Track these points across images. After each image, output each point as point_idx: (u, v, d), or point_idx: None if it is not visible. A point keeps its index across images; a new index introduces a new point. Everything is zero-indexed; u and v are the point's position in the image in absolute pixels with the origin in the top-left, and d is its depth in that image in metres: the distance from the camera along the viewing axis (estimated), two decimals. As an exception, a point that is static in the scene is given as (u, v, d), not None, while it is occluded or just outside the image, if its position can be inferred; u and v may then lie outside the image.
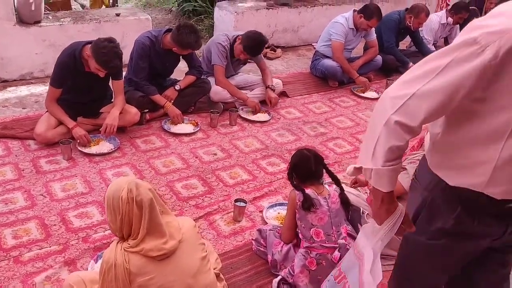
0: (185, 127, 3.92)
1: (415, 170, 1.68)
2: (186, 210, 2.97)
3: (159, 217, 1.86)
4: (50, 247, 2.60)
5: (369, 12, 4.84)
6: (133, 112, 3.71)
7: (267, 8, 5.82)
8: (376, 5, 5.08)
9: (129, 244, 1.85)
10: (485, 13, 6.31)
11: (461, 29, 6.04)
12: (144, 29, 4.69)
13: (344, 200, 2.48)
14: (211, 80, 4.28)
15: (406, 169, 3.08)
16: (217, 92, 4.23)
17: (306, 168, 2.46)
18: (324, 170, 2.53)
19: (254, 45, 4.12)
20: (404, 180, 2.69)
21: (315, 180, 2.48)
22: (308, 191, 2.40)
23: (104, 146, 3.54)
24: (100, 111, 3.73)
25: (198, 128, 3.92)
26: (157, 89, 3.94)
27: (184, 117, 4.02)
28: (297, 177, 2.49)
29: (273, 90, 4.42)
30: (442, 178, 1.46)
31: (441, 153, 1.47)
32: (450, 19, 5.91)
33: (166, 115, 3.98)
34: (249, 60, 4.48)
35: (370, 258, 1.64)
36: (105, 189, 3.08)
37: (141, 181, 1.89)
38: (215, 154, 3.63)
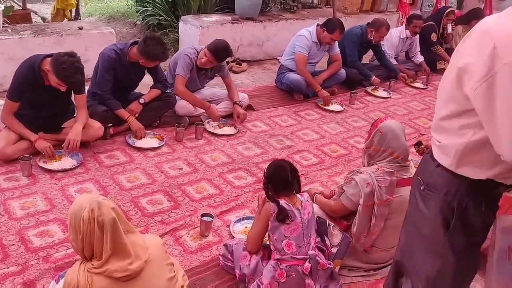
0: (150, 142, 3.87)
1: (421, 181, 1.73)
2: (151, 226, 2.92)
3: (123, 237, 1.81)
4: (8, 268, 2.49)
5: (331, 25, 4.94)
6: (97, 126, 3.64)
7: (232, 23, 5.85)
8: (338, 18, 5.19)
9: (92, 265, 1.80)
10: (443, 28, 6.58)
11: (420, 42, 6.26)
12: (108, 42, 4.63)
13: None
14: (176, 93, 4.25)
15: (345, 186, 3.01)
16: (183, 106, 4.21)
17: (283, 178, 2.42)
18: (299, 182, 2.51)
19: (220, 49, 4.13)
20: (346, 199, 2.67)
21: (290, 191, 2.45)
22: (282, 202, 2.37)
23: (67, 162, 3.45)
24: (62, 126, 3.64)
25: (164, 143, 3.88)
26: (121, 104, 3.89)
27: (149, 131, 3.97)
28: (272, 188, 2.45)
29: (241, 106, 4.44)
30: (468, 175, 1.59)
31: (474, 151, 1.56)
32: (408, 32, 6.09)
33: (131, 130, 3.92)
34: (215, 74, 4.48)
35: None
36: (68, 206, 3.00)
37: (104, 200, 1.84)
38: (181, 169, 3.60)
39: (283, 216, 2.34)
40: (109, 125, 3.83)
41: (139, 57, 3.79)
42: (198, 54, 4.23)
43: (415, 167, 3.38)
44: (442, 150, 1.66)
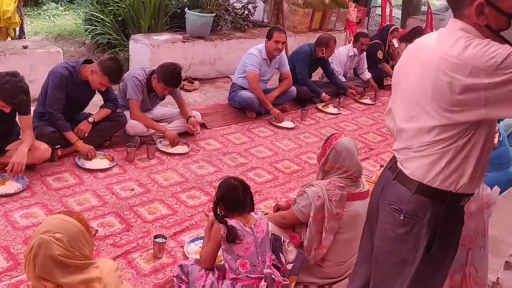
0: (100, 163, 3.78)
1: (398, 210, 1.75)
2: (102, 250, 2.83)
3: (69, 277, 1.75)
4: None
5: (270, 31, 5.11)
6: (44, 148, 3.52)
7: (183, 41, 5.85)
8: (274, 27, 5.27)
9: None
10: (388, 46, 6.85)
11: (367, 59, 6.48)
12: (55, 62, 4.52)
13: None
14: (127, 113, 4.19)
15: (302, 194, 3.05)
16: (134, 125, 4.14)
17: (234, 197, 2.39)
18: (252, 199, 2.49)
19: (172, 77, 4.11)
20: (297, 210, 2.72)
21: (242, 209, 2.42)
22: (233, 222, 2.35)
23: (11, 186, 3.30)
24: (6, 148, 3.49)
25: (114, 163, 3.80)
26: (70, 124, 3.77)
27: (100, 152, 3.88)
28: (224, 207, 2.43)
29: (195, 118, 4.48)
30: (452, 190, 1.67)
31: (461, 167, 1.65)
32: (355, 50, 6.29)
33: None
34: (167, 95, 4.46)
35: None
36: (12, 233, 2.88)
37: (49, 238, 1.75)
38: (133, 190, 3.52)
39: (232, 237, 2.31)
40: (57, 146, 3.71)
41: (101, 77, 3.72)
42: (146, 76, 4.19)
43: (366, 181, 3.48)
44: (434, 165, 1.68)
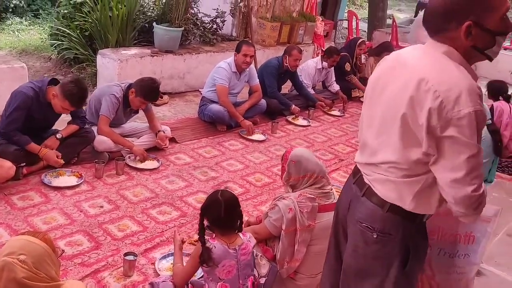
0: (67, 180, 3.69)
1: (371, 228, 1.76)
2: (70, 270, 2.76)
3: None
4: None
5: (238, 45, 5.15)
6: (7, 166, 3.41)
7: (151, 56, 5.81)
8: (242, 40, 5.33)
9: None
10: (356, 58, 6.99)
11: (334, 72, 6.59)
12: (19, 78, 4.42)
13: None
14: (95, 129, 4.12)
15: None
16: (102, 141, 4.08)
17: (215, 214, 2.31)
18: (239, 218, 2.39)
19: (151, 91, 4.13)
20: (269, 223, 2.72)
21: (225, 228, 2.35)
22: (216, 243, 2.28)
23: (-27, 207, 3.20)
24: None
25: (82, 180, 3.72)
26: (34, 139, 3.68)
27: (67, 169, 3.80)
28: (208, 223, 2.36)
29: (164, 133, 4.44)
30: (422, 212, 1.72)
31: (432, 193, 1.68)
32: (325, 63, 6.39)
33: (46, 168, 3.73)
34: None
35: None
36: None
37: (13, 260, 1.69)
38: (102, 207, 3.45)
39: (203, 258, 2.24)
40: (22, 164, 3.61)
41: (62, 101, 3.62)
42: (123, 92, 4.15)
43: (336, 192, 3.50)
44: (401, 192, 1.70)
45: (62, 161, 3.73)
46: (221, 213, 2.29)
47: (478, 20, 1.55)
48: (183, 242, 2.61)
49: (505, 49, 11.01)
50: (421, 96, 1.54)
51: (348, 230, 1.89)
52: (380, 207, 1.74)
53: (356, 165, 1.94)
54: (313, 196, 2.63)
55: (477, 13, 1.54)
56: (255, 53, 5.44)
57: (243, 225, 2.45)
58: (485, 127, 4.39)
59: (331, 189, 2.79)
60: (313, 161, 2.72)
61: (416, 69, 1.60)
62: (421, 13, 11.05)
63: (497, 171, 4.90)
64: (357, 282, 1.86)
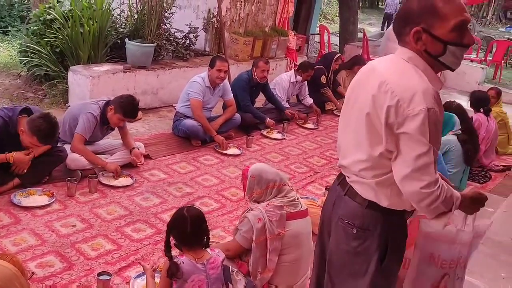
0: (38, 199, 3.60)
1: (351, 224, 1.84)
2: (42, 292, 2.68)
3: None
4: None
5: (212, 60, 5.15)
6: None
7: (124, 72, 5.77)
8: (216, 55, 5.35)
9: None
10: (332, 72, 7.09)
11: (308, 85, 6.67)
12: (-13, 96, 4.31)
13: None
14: (67, 147, 4.05)
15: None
16: (75, 159, 4.00)
17: (181, 230, 2.32)
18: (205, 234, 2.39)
19: (130, 108, 4.12)
20: (239, 236, 2.74)
21: (192, 244, 2.34)
22: (184, 258, 2.27)
23: None
24: None
25: (54, 199, 3.63)
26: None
27: (38, 188, 3.71)
28: (174, 238, 2.37)
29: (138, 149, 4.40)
30: (398, 208, 1.81)
31: (398, 189, 1.74)
32: (299, 77, 6.46)
33: (16, 188, 3.64)
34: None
35: None
36: None
37: None
38: (74, 226, 3.38)
39: (171, 273, 2.23)
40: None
41: (30, 137, 3.49)
42: (100, 110, 4.10)
43: (311, 205, 3.52)
44: (376, 191, 1.80)
45: (28, 163, 3.63)
46: (187, 229, 2.30)
47: (428, 27, 1.67)
48: (154, 270, 2.57)
49: (472, 61, 11.35)
50: (381, 96, 1.67)
51: (331, 229, 1.97)
52: (361, 204, 1.84)
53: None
54: (280, 204, 2.68)
55: (427, 21, 1.67)
56: (229, 68, 5.46)
57: (209, 241, 2.44)
58: (455, 137, 4.48)
59: (297, 197, 2.84)
60: (272, 171, 2.81)
61: (381, 73, 1.73)
62: (391, 27, 11.30)
63: (468, 180, 5.01)
64: (340, 280, 1.94)
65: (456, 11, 1.66)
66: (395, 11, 18.60)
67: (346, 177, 1.92)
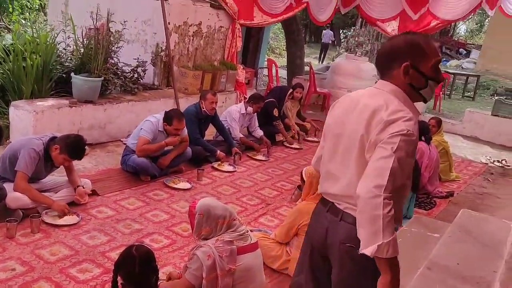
0: (-25, 242, 3.39)
1: (353, 248, 1.87)
2: None
3: None
4: None
5: (169, 117, 5.07)
6: None
7: (70, 106, 5.62)
8: (175, 110, 5.35)
9: None
10: (285, 107, 7.22)
11: (259, 117, 6.75)
12: None
13: None
14: (7, 185, 3.85)
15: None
16: (16, 198, 3.81)
17: (129, 269, 2.25)
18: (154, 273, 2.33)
19: (77, 149, 3.99)
20: (189, 275, 2.67)
21: (141, 284, 2.28)
22: None
23: None
24: None
25: (-8, 242, 3.43)
26: None
27: (-26, 230, 3.50)
28: (121, 278, 2.28)
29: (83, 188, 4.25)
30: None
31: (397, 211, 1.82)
32: (250, 109, 6.53)
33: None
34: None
35: None
36: None
37: None
38: (14, 269, 3.18)
39: None
40: None
41: None
42: (44, 146, 3.94)
43: (263, 238, 3.50)
44: None
45: None
46: (135, 268, 2.24)
47: (414, 63, 1.90)
48: None
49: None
50: (374, 121, 1.86)
51: (330, 253, 2.06)
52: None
53: (322, 196, 2.13)
54: (230, 239, 2.65)
55: (413, 57, 1.90)
56: (178, 102, 5.44)
57: (158, 282, 2.38)
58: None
59: (247, 231, 2.82)
60: (220, 206, 2.77)
61: (371, 103, 1.92)
62: (338, 60, 11.72)
63: (414, 207, 5.17)
64: None
65: (435, 51, 1.92)
66: (330, 41, 22.89)
67: (336, 204, 2.01)
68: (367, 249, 1.72)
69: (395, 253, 1.72)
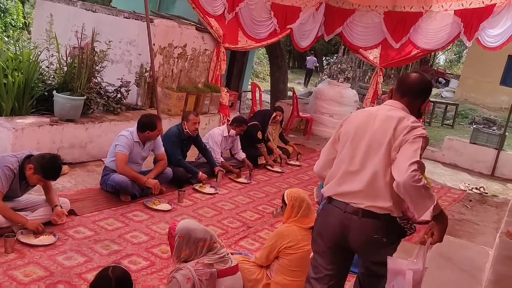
0: None
1: (380, 236, 2.54)
2: None
3: None
4: None
5: (148, 123, 5.08)
6: None
7: (50, 124, 5.55)
8: (148, 115, 5.31)
9: None
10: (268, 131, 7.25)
11: (243, 140, 6.77)
12: None
13: None
14: (-19, 204, 3.76)
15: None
16: (-9, 217, 3.72)
17: None
18: None
19: (52, 170, 3.91)
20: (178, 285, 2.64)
21: None
22: None
23: None
24: None
25: (-36, 261, 3.32)
26: None
27: None
28: None
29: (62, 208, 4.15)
30: (399, 214, 2.61)
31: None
32: (232, 131, 6.54)
33: None
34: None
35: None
36: None
37: None
38: (-14, 290, 3.09)
39: None
40: None
41: None
42: (19, 164, 3.87)
43: (244, 261, 3.45)
44: (384, 210, 2.52)
45: None
46: None
47: (426, 98, 2.72)
48: None
49: (383, 100, 12.12)
50: (400, 126, 2.51)
51: (358, 246, 2.59)
52: (378, 219, 2.51)
53: (334, 200, 2.61)
54: (210, 262, 2.61)
55: (427, 94, 2.72)
56: (161, 125, 5.41)
57: None
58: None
59: (228, 253, 2.79)
60: (200, 229, 2.74)
61: (394, 115, 2.57)
62: (320, 86, 11.88)
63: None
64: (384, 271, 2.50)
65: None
66: (314, 67, 24.75)
67: (353, 204, 2.53)
68: (425, 215, 2.35)
69: (440, 206, 2.38)
